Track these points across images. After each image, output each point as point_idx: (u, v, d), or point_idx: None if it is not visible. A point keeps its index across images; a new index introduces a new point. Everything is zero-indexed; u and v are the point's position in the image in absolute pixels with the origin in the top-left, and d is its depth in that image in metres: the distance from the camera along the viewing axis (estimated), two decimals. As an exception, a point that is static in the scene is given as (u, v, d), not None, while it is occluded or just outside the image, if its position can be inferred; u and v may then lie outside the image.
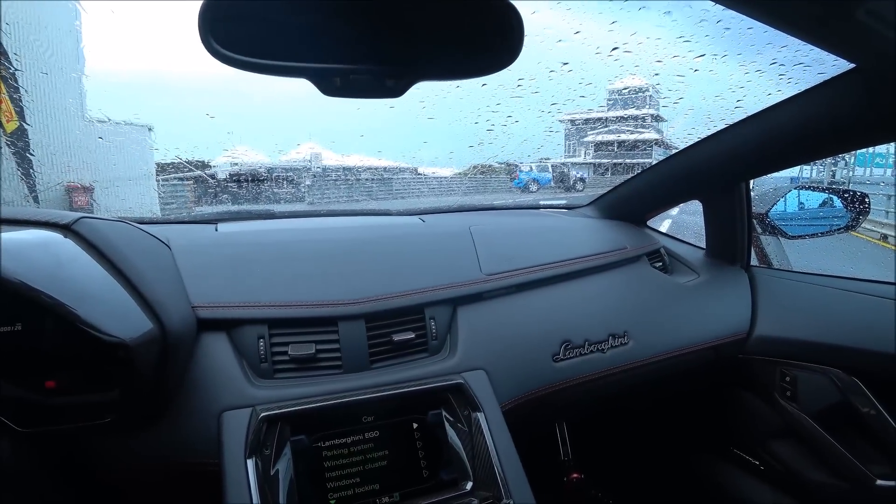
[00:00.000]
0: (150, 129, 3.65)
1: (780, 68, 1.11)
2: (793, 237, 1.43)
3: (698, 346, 1.16)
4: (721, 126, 1.11)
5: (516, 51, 0.50)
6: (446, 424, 0.84)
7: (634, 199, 1.46)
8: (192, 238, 0.96)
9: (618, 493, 1.49)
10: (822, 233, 1.43)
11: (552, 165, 8.82)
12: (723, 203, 1.32)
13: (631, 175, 1.48)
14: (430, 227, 1.19)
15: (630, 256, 1.27)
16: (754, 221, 1.44)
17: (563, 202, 1.72)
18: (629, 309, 1.14)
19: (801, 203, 1.46)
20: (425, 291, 0.96)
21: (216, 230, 1.05)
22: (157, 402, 0.72)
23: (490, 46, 0.50)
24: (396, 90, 0.51)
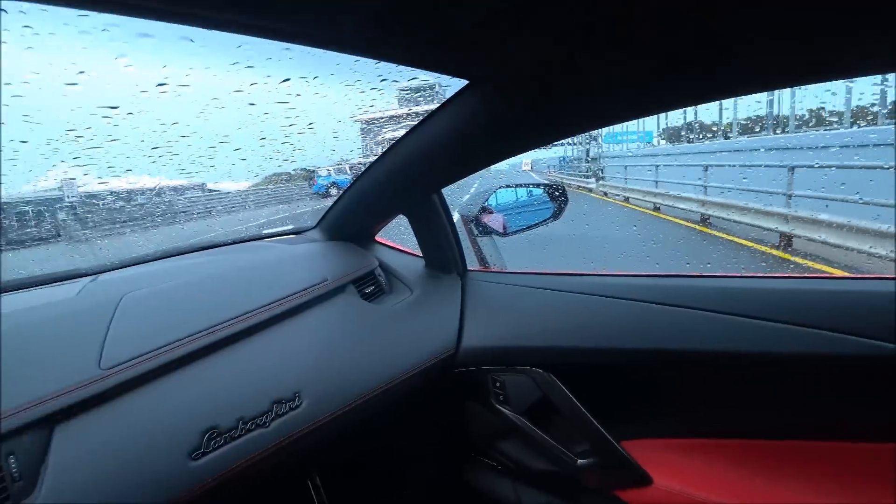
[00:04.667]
0: None
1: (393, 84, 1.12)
2: (506, 234, 1.51)
3: (405, 374, 1.10)
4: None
5: None
6: None
7: (353, 214, 1.39)
8: None
9: None
10: (531, 225, 1.53)
11: (350, 167, 8.70)
12: (422, 214, 1.32)
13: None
14: (70, 305, 0.93)
15: (329, 290, 1.16)
16: (472, 225, 1.49)
17: (291, 227, 1.59)
18: (309, 360, 1.00)
19: (507, 201, 1.55)
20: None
21: None
22: None
23: None
24: None
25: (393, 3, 0.52)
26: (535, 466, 1.22)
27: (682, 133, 13.20)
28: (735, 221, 6.51)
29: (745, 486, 0.97)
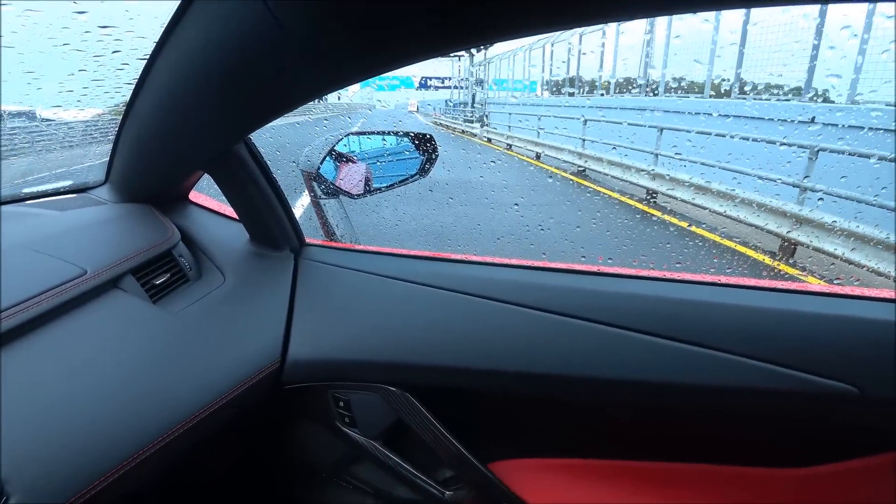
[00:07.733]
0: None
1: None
2: (360, 195, 1.14)
3: (201, 412, 0.70)
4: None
5: None
6: None
7: (143, 167, 0.93)
8: None
9: None
10: (391, 185, 1.18)
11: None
12: (227, 173, 0.90)
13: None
14: None
15: (90, 288, 0.71)
16: (314, 183, 1.09)
17: (69, 183, 1.06)
18: (26, 421, 0.57)
19: (358, 152, 1.17)
20: None
21: None
22: None
23: None
24: None
25: None
26: (397, 493, 1.02)
27: (564, 87, 13.50)
28: (608, 175, 6.81)
29: None
